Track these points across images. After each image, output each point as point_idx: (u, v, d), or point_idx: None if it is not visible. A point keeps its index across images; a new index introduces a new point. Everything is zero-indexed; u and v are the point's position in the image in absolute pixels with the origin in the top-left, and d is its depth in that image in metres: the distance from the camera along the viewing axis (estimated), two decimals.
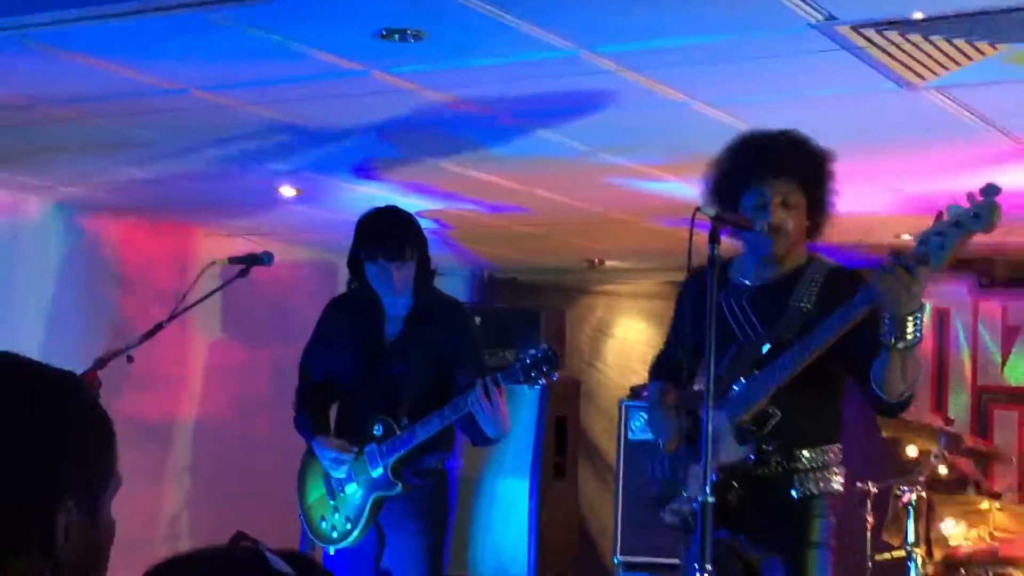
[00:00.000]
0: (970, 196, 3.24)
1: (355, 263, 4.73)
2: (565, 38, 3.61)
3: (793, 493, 3.68)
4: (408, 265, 4.64)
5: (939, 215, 3.28)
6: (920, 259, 3.27)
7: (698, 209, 3.38)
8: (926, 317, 3.49)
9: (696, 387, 3.79)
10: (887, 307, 3.36)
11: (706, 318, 3.44)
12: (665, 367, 4.06)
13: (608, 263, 7.47)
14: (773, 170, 3.69)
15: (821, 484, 3.70)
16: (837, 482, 3.74)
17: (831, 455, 3.74)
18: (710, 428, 3.30)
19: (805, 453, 3.69)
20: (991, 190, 3.22)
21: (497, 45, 3.68)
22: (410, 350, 4.69)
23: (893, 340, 3.37)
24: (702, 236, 3.39)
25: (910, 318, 3.36)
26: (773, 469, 3.68)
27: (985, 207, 3.21)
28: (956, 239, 3.23)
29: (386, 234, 4.63)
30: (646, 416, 4.02)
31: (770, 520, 3.69)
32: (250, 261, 4.69)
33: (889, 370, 3.43)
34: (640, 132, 4.55)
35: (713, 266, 3.39)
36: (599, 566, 6.79)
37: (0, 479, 1.52)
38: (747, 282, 3.80)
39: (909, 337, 3.37)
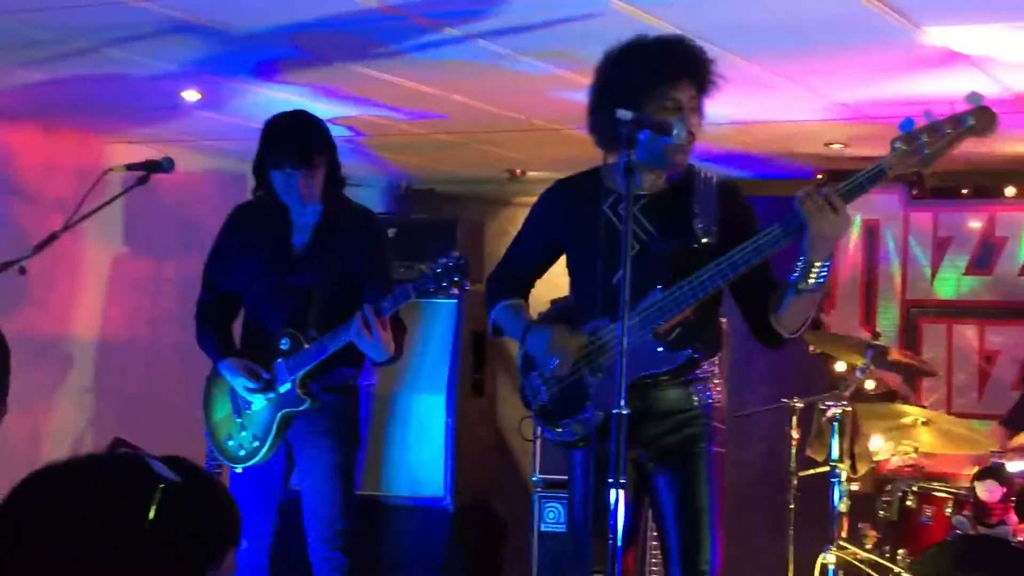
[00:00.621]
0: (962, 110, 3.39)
1: (261, 170, 4.71)
2: None
3: (694, 400, 3.81)
4: (317, 172, 4.63)
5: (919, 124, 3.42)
6: (843, 194, 3.45)
7: (615, 112, 3.37)
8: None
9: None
10: (812, 239, 3.47)
11: (602, 228, 3.59)
12: (507, 282, 4.13)
13: (530, 174, 7.43)
14: (686, 73, 3.71)
15: (712, 393, 3.85)
16: (720, 391, 3.90)
17: (717, 367, 3.89)
18: (626, 340, 3.29)
19: (703, 364, 3.81)
20: (975, 97, 3.41)
21: None
22: (318, 261, 4.69)
23: (801, 282, 3.54)
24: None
25: (819, 264, 3.52)
26: (672, 380, 3.78)
27: (980, 111, 3.39)
28: (951, 141, 3.40)
29: (293, 139, 4.62)
30: (519, 339, 3.98)
31: (667, 429, 3.80)
32: (150, 168, 4.65)
33: (792, 309, 3.63)
34: (560, 35, 4.50)
35: (630, 173, 3.38)
36: (519, 485, 6.82)
37: None
38: (641, 191, 3.78)
39: (811, 282, 3.54)
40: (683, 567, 3.78)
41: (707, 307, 3.76)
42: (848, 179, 3.51)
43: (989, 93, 5.02)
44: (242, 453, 4.72)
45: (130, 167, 4.66)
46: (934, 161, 3.44)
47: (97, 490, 1.48)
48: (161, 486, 1.47)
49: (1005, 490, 5.49)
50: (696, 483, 3.80)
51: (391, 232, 6.16)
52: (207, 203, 6.80)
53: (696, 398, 3.82)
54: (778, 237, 3.56)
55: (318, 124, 4.70)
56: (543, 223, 4.00)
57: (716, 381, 3.89)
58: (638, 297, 3.64)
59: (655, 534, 4.11)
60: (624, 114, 3.39)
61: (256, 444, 4.71)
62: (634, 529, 3.90)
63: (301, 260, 4.71)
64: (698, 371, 3.83)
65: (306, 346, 4.61)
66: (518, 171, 7.36)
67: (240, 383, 4.70)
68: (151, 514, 1.45)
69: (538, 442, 5.82)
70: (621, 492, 3.26)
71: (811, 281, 3.54)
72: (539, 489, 5.83)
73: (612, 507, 3.26)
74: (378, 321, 4.42)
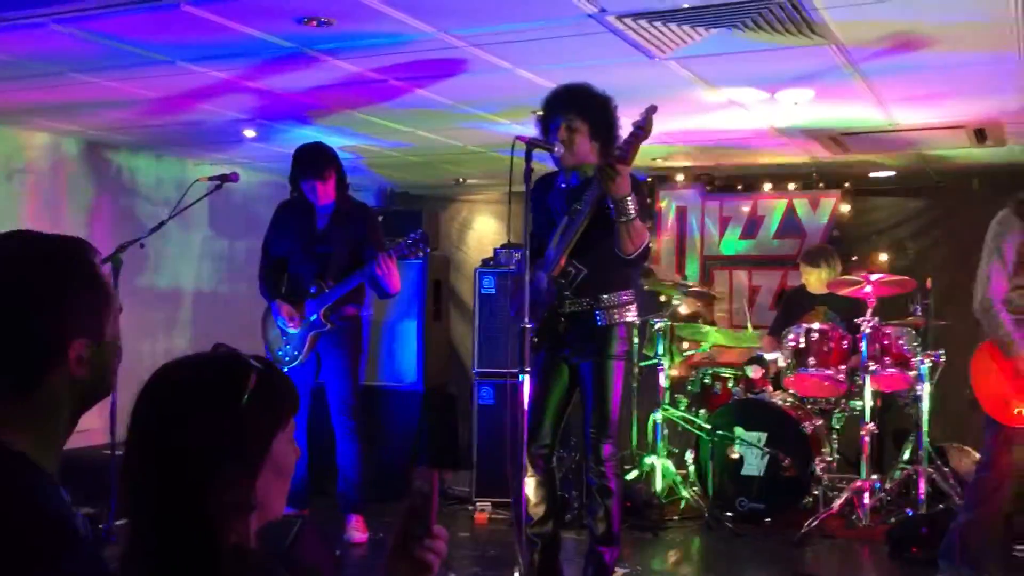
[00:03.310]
0: (640, 117, 3.42)
1: (294, 180, 4.67)
2: (427, 24, 3.52)
3: (598, 320, 3.68)
4: (329, 181, 4.58)
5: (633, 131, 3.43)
6: (618, 160, 3.41)
7: (517, 138, 3.28)
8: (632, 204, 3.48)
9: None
10: (608, 193, 3.43)
11: (532, 212, 3.49)
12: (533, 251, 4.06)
13: (469, 181, 7.37)
14: (563, 105, 3.66)
15: (616, 316, 3.69)
16: (630, 315, 3.71)
17: (624, 297, 3.73)
18: (528, 278, 3.30)
19: (604, 296, 3.69)
20: (650, 110, 3.43)
21: (384, 28, 3.58)
22: (333, 236, 4.64)
23: (617, 216, 3.45)
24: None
25: (624, 201, 3.43)
26: (584, 306, 3.68)
27: (646, 120, 3.41)
28: (633, 143, 3.40)
29: (312, 160, 4.57)
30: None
31: (584, 339, 3.69)
32: (222, 179, 4.60)
33: (620, 236, 3.50)
34: (483, 90, 4.48)
35: (528, 178, 3.32)
36: (464, 376, 6.79)
37: (25, 323, 1.38)
38: (563, 186, 3.75)
39: (624, 217, 3.45)
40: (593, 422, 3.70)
41: (601, 258, 3.60)
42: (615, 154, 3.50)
43: (754, 127, 5.14)
44: (287, 359, 4.68)
45: (211, 178, 4.60)
46: (629, 154, 3.42)
47: (212, 372, 1.40)
48: (253, 369, 1.41)
49: (764, 371, 5.62)
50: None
51: (380, 218, 6.10)
52: (261, 203, 6.71)
53: (599, 319, 3.68)
54: (588, 197, 3.55)
55: (327, 149, 4.64)
56: (533, 207, 3.89)
57: (622, 308, 3.70)
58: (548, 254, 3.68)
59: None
60: (522, 139, 3.30)
61: (296, 353, 4.67)
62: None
63: (323, 235, 4.67)
64: (600, 302, 3.68)
65: (326, 290, 4.59)
66: (461, 179, 7.27)
67: (281, 322, 4.65)
68: (249, 388, 1.37)
69: (476, 350, 5.77)
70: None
71: (624, 216, 3.44)
72: (476, 379, 5.77)
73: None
74: (390, 260, 4.35)
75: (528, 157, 3.29)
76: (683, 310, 6.11)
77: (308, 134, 5.39)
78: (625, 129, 3.55)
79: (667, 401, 5.63)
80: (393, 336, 6.08)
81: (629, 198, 3.44)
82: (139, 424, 1.38)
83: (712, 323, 6.41)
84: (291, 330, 4.66)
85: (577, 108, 3.63)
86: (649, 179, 6.93)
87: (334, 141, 5.24)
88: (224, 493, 1.33)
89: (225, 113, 5.04)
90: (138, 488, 1.36)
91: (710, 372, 5.76)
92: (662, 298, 5.93)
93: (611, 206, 3.46)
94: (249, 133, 5.62)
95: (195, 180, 4.65)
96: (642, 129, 3.38)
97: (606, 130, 3.67)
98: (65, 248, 1.46)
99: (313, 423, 4.65)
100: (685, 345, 6.03)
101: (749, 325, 6.24)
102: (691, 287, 5.87)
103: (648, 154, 6.21)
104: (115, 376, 1.49)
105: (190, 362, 1.43)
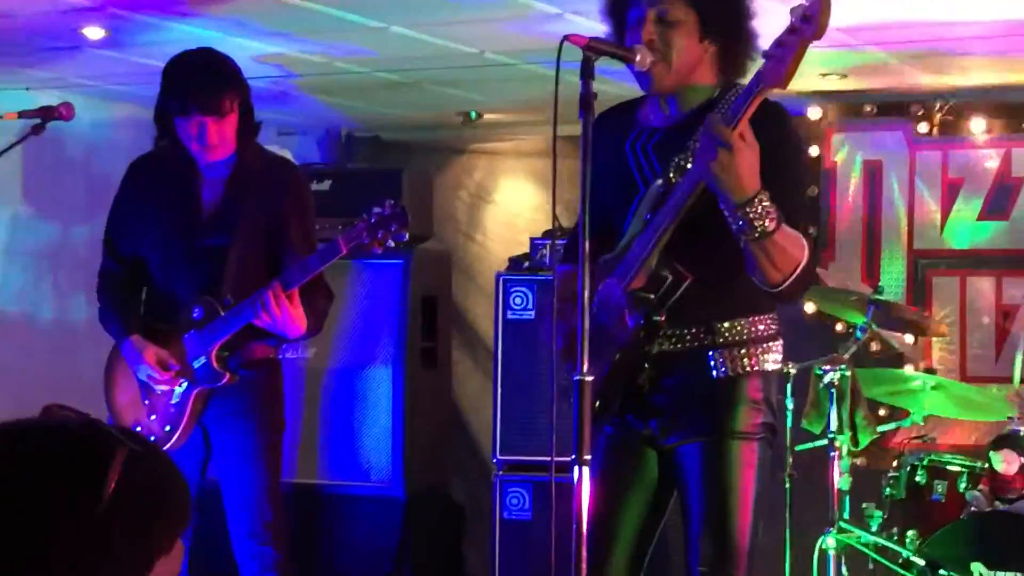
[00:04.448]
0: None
1: (163, 117, 4.72)
2: None
3: (712, 369, 3.68)
4: (227, 118, 4.62)
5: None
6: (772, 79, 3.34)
7: (567, 39, 3.23)
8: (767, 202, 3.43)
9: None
10: (717, 191, 3.42)
11: (581, 172, 3.31)
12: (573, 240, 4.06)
13: (487, 116, 7.39)
14: None
15: (746, 360, 3.70)
16: (770, 360, 3.75)
17: (759, 327, 3.73)
18: (586, 295, 3.21)
19: (724, 324, 3.69)
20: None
21: None
22: (232, 218, 4.70)
23: (741, 230, 3.42)
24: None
25: (746, 207, 3.39)
26: (688, 343, 3.69)
27: (819, 4, 3.26)
28: (792, 48, 3.29)
29: (199, 82, 4.61)
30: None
31: (686, 402, 3.72)
32: (44, 115, 4.63)
33: (755, 262, 3.49)
34: None
35: (588, 108, 3.26)
36: (477, 468, 6.87)
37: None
38: (653, 124, 3.78)
39: (755, 230, 3.39)
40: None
41: (721, 257, 3.61)
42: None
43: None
44: (151, 440, 4.63)
45: (23, 115, 4.65)
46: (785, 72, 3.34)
47: (48, 455, 1.49)
48: (120, 448, 1.48)
49: None
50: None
51: (326, 185, 6.16)
52: (118, 157, 6.68)
53: (713, 369, 3.72)
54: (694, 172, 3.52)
55: (226, 62, 4.69)
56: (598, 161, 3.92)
57: (754, 347, 3.76)
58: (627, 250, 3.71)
59: None
60: (578, 39, 3.26)
61: (168, 430, 4.70)
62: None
63: (213, 218, 4.73)
64: (717, 337, 3.71)
65: (222, 314, 4.62)
66: (471, 114, 7.36)
67: (144, 371, 4.70)
68: (112, 482, 1.46)
69: (498, 418, 5.81)
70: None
71: (756, 228, 3.41)
72: (499, 472, 5.87)
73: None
74: (283, 297, 4.44)
75: (588, 72, 3.27)
76: (875, 348, 5.94)
77: (193, 35, 5.38)
78: (770, 20, 3.50)
79: (845, 515, 5.56)
80: (350, 396, 6.14)
81: (756, 200, 3.40)
82: None
83: (930, 371, 6.34)
84: (159, 387, 4.68)
85: None
86: (816, 111, 6.90)
87: (240, 46, 5.21)
88: None
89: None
90: None
91: (926, 462, 5.68)
92: (837, 327, 5.83)
93: (726, 209, 3.44)
94: (93, 32, 5.62)
95: None
96: (808, 21, 3.29)
97: (729, 20, 3.68)
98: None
99: (204, 555, 4.63)
100: (880, 413, 5.98)
101: (1017, 375, 6.05)
102: (891, 306, 5.78)
103: (810, 65, 6.09)
104: None
105: (5, 437, 1.54)
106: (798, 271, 3.50)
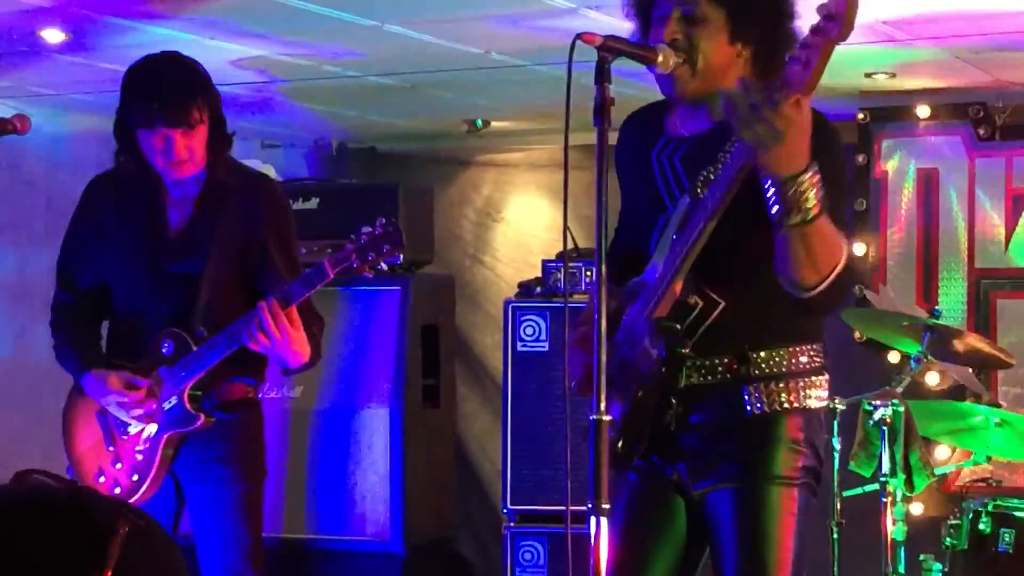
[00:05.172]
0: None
1: (124, 130, 4.73)
2: None
3: (747, 405, 3.68)
4: (196, 131, 4.63)
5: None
6: (791, 86, 3.29)
7: (580, 37, 3.23)
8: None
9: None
10: (762, 165, 3.38)
11: (596, 185, 3.28)
12: (612, 256, 4.02)
13: (495, 124, 7.42)
14: None
15: (784, 396, 3.69)
16: (812, 396, 3.74)
17: (801, 359, 3.73)
18: (603, 324, 3.19)
19: (761, 355, 3.68)
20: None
21: None
22: (203, 241, 4.71)
23: (783, 213, 3.39)
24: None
25: (796, 180, 3.36)
26: (720, 376, 3.68)
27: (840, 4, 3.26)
28: (819, 47, 3.27)
29: (164, 90, 4.62)
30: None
31: (715, 444, 3.72)
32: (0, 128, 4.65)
33: (789, 254, 3.46)
34: None
35: (603, 115, 3.25)
36: (486, 517, 6.89)
37: None
38: (682, 133, 3.80)
39: (797, 215, 3.36)
40: None
41: (757, 281, 3.63)
42: None
43: None
44: (117, 491, 4.69)
45: None
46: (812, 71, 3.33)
47: (35, 530, 1.49)
48: (122, 520, 1.50)
49: None
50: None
51: (314, 203, 6.17)
52: (82, 174, 6.70)
53: (747, 405, 3.72)
54: (729, 164, 3.53)
55: (194, 67, 4.70)
56: (618, 167, 3.92)
57: (795, 381, 3.74)
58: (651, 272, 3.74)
59: None
60: (591, 38, 3.26)
61: (135, 479, 4.69)
62: None
63: (181, 242, 4.75)
64: (752, 369, 3.71)
65: (194, 348, 4.63)
66: (476, 123, 7.40)
67: (111, 400, 4.68)
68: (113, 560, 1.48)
69: (508, 464, 5.78)
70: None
71: (804, 207, 3.37)
72: (510, 524, 5.86)
73: None
74: (283, 315, 4.42)
75: (603, 74, 3.27)
76: (933, 381, 5.91)
77: (165, 36, 5.41)
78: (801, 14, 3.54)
79: (900, 568, 5.54)
80: (343, 439, 6.14)
81: (806, 176, 3.38)
82: None
83: (994, 405, 6.30)
84: (131, 421, 4.68)
85: None
86: (861, 116, 6.88)
87: (217, 49, 5.24)
88: None
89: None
90: None
91: (990, 508, 5.67)
92: (889, 356, 5.81)
93: (768, 190, 3.42)
94: (52, 36, 5.66)
95: None
96: (833, 19, 3.28)
97: (764, 21, 3.69)
98: None
99: None
100: (939, 455, 5.97)
101: None
102: (950, 333, 5.79)
103: (853, 64, 6.14)
104: None
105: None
106: (835, 274, 3.47)
